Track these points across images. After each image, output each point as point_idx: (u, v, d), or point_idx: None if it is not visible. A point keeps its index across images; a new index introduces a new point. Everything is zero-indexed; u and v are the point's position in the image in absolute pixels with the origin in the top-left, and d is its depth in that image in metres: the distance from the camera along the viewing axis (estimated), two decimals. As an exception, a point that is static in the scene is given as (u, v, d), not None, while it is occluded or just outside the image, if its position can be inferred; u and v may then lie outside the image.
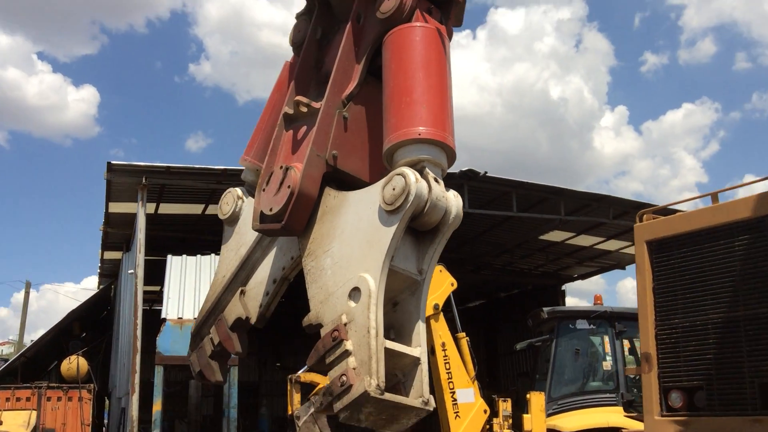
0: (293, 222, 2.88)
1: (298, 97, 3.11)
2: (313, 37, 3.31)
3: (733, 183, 70.19)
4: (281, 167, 2.97)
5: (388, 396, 2.50)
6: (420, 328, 2.78)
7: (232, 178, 14.20)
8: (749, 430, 4.99)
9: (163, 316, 11.14)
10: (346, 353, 2.56)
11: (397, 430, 2.64)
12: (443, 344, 11.48)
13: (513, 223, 18.72)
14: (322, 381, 9.67)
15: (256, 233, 3.25)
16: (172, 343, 10.78)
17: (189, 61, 69.80)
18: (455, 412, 11.19)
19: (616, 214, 18.02)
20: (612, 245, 21.65)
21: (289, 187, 2.87)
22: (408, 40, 2.91)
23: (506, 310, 27.16)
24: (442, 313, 11.11)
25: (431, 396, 2.68)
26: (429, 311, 10.42)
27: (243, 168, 3.58)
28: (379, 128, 3.01)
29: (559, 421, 10.97)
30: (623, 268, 25.18)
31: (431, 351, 11.60)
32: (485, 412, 11.69)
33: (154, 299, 21.46)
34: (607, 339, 11.74)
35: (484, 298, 28.85)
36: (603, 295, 12.38)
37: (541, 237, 20.50)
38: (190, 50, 69.68)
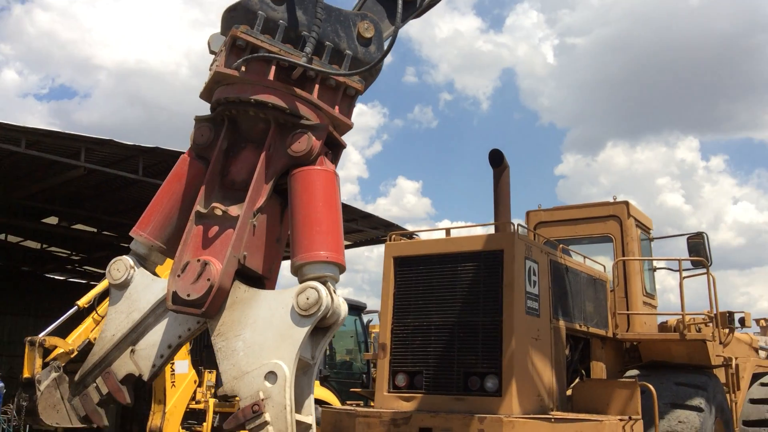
0: (211, 309, 3.56)
1: (216, 204, 3.75)
2: (221, 149, 3.94)
3: (387, 182, 78.57)
4: (198, 260, 3.59)
5: None
6: (311, 400, 3.66)
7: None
8: (453, 405, 6.86)
9: None
10: (266, 423, 3.33)
11: None
12: (170, 317, 12.14)
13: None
14: (63, 345, 9.77)
15: (151, 301, 3.85)
16: None
17: None
18: (172, 382, 11.98)
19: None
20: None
21: (209, 280, 3.51)
22: (316, 180, 3.78)
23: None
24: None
25: None
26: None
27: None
28: (270, 233, 3.89)
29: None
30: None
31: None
32: (195, 382, 12.67)
33: None
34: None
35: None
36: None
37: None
38: None
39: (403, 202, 70.95)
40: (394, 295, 7.57)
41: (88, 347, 9.82)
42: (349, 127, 4.15)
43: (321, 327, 3.59)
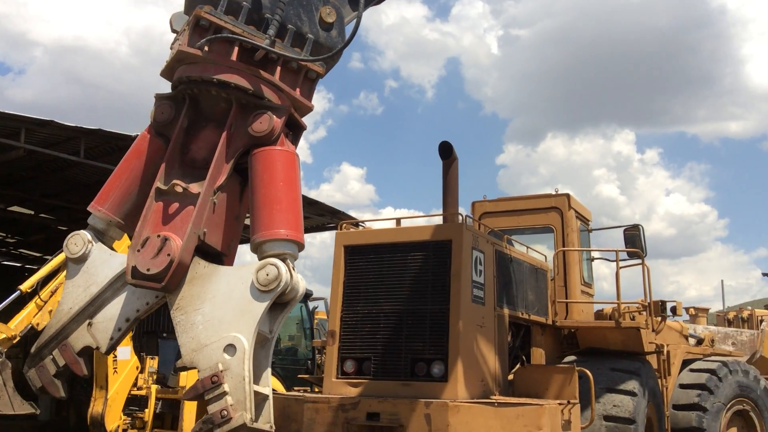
0: (171, 284, 3.63)
1: (176, 181, 3.80)
2: (182, 127, 3.98)
3: (332, 168, 78.76)
4: (158, 236, 3.65)
5: (255, 425, 3.49)
6: (267, 372, 3.74)
7: None
8: (401, 391, 7.03)
9: None
10: (224, 393, 3.42)
11: None
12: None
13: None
14: (5, 331, 9.58)
15: (109, 276, 3.87)
16: None
17: None
18: (114, 368, 11.87)
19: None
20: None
21: (168, 255, 3.58)
22: (277, 160, 3.85)
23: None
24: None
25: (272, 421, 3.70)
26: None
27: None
28: (230, 211, 3.96)
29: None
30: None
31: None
32: (137, 368, 12.59)
33: None
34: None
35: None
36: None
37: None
38: None
39: (347, 188, 71.21)
40: (344, 283, 7.69)
41: (30, 332, 9.67)
42: (309, 109, 4.24)
43: (279, 303, 3.69)
